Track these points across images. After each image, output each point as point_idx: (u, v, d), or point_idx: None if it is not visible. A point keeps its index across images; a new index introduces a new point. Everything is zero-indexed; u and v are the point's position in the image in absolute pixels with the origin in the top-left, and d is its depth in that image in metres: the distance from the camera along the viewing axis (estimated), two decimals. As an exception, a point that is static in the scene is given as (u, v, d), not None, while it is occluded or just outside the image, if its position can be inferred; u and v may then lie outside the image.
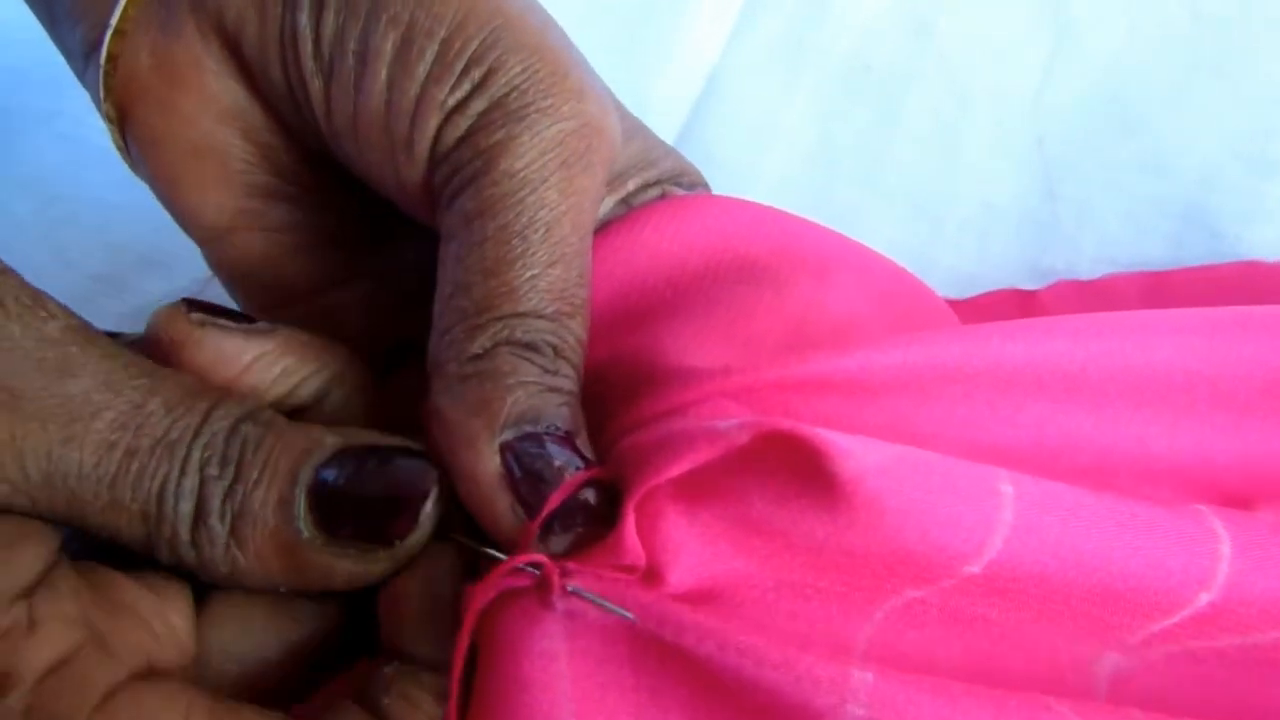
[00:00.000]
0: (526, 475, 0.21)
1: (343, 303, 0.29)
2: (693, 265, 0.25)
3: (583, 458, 0.22)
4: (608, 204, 0.26)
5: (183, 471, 0.21)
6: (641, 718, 0.21)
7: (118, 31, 0.26)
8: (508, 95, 0.23)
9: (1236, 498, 0.23)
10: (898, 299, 0.27)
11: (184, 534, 0.21)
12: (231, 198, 0.27)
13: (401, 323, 0.28)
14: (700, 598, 0.22)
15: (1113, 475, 0.22)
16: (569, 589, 0.21)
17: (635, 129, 0.27)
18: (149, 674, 0.21)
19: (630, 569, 0.21)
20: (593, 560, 0.21)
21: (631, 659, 0.21)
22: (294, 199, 0.28)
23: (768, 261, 0.25)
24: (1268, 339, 0.23)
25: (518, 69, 0.23)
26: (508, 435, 0.22)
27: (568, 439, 0.22)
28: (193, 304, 0.23)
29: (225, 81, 0.26)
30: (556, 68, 0.23)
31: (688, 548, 0.22)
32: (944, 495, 0.20)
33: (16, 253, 0.41)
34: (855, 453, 0.20)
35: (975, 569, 0.21)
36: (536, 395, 0.22)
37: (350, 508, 0.21)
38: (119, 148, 0.28)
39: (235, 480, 0.21)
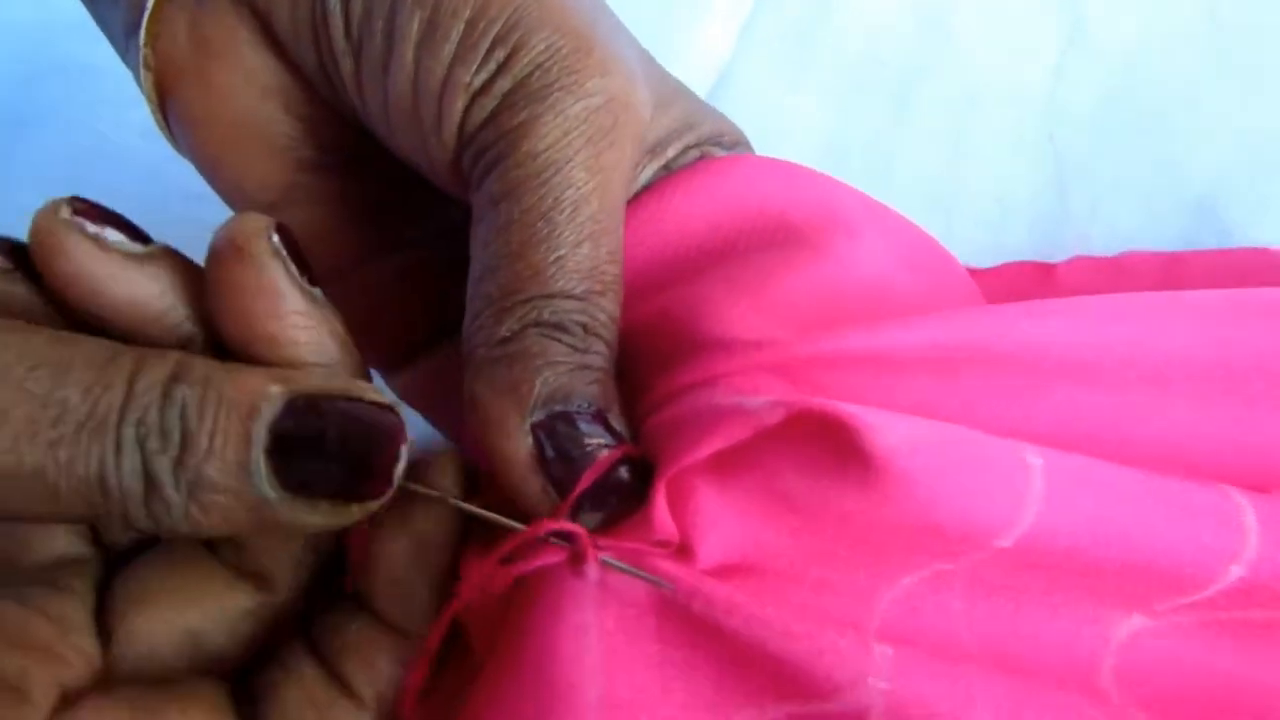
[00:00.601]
0: (558, 456, 0.21)
1: (389, 274, 0.29)
2: (725, 229, 0.25)
3: (616, 434, 0.22)
4: (649, 171, 0.26)
5: (118, 450, 0.19)
6: (668, 689, 0.21)
7: (154, 12, 0.26)
8: (531, 75, 0.22)
9: (1253, 483, 0.23)
10: (924, 261, 0.27)
11: (136, 510, 0.19)
12: (276, 172, 0.27)
13: (446, 293, 0.28)
14: (730, 571, 0.21)
15: (1132, 459, 0.22)
16: (602, 559, 0.21)
17: (675, 93, 0.27)
18: (64, 705, 0.21)
19: (663, 544, 0.21)
20: (624, 535, 0.21)
21: (659, 631, 0.21)
22: (337, 170, 0.28)
23: (800, 222, 0.25)
24: None
25: (541, 46, 0.22)
26: (538, 416, 0.21)
27: (599, 416, 0.22)
28: (79, 204, 0.21)
29: (263, 57, 0.26)
30: (580, 43, 0.23)
31: (719, 523, 0.21)
32: (974, 469, 0.20)
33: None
34: (886, 428, 0.20)
35: (1006, 543, 0.21)
36: (566, 374, 0.22)
37: (316, 462, 0.20)
38: (160, 126, 0.28)
39: (183, 452, 0.19)
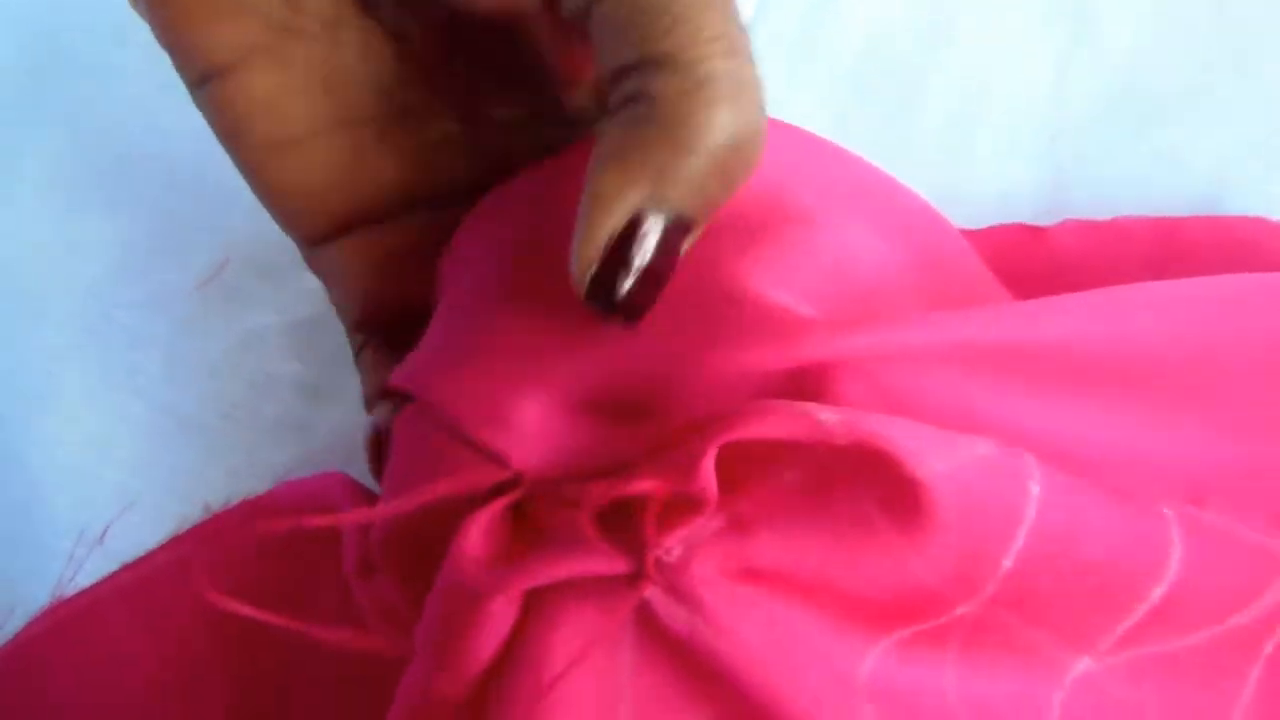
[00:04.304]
0: (611, 257, 0.21)
1: (439, 229, 0.28)
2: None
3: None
4: None
5: None
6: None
7: None
8: None
9: (1193, 493, 0.23)
10: (918, 231, 0.27)
11: None
12: (243, 32, 0.25)
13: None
14: (762, 576, 0.21)
15: (1088, 463, 0.23)
16: (644, 595, 0.21)
17: None
18: None
19: (705, 494, 0.20)
20: (668, 475, 0.20)
21: (691, 662, 0.21)
22: (314, 36, 0.26)
23: (798, 197, 0.25)
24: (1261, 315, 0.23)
25: None
26: (636, 207, 0.21)
27: (682, 228, 0.22)
28: None
29: None
30: None
31: (770, 525, 0.21)
32: (992, 494, 0.21)
33: (30, 243, 0.42)
34: (930, 455, 0.20)
35: (1009, 562, 0.21)
36: (681, 179, 0.21)
37: None
38: None
39: None
